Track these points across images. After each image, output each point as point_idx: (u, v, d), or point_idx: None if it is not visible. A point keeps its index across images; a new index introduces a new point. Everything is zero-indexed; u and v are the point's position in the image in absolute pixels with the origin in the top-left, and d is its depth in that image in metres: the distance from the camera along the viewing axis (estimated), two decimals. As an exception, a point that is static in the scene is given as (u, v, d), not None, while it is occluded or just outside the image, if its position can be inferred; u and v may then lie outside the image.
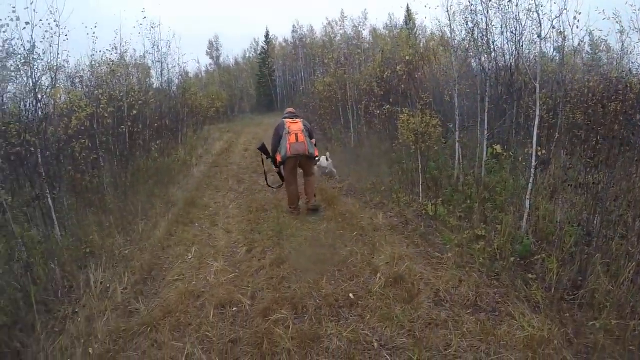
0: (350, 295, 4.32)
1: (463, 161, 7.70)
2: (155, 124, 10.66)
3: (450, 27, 7.64)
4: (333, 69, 13.80)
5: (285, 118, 7.13)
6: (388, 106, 8.54)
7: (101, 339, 3.98)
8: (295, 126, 6.92)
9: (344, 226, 6.48)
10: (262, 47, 40.96)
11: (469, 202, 6.21)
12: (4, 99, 6.38)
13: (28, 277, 4.67)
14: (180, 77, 15.92)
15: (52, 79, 6.09)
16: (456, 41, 8.01)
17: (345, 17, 39.16)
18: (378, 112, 10.77)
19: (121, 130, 8.30)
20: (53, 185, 6.01)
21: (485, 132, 7.32)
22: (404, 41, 15.57)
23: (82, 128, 6.60)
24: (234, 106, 34.00)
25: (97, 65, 11.32)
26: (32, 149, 5.75)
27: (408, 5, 35.44)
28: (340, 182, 9.44)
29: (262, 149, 7.55)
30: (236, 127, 24.06)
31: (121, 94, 8.58)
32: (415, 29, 32.91)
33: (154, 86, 14.19)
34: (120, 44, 10.83)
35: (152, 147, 9.39)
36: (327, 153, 9.69)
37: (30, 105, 5.95)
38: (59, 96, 6.04)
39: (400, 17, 37.28)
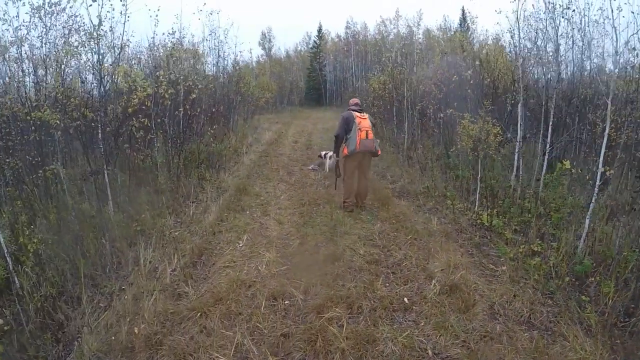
0: (405, 299, 4.18)
1: (519, 173, 7.30)
2: (213, 109, 10.57)
3: (518, 34, 7.14)
4: (390, 67, 13.34)
5: (352, 110, 6.98)
6: (452, 110, 8.07)
7: (147, 319, 3.84)
8: (365, 123, 6.82)
9: (398, 228, 6.21)
10: (314, 41, 40.89)
11: (526, 215, 5.94)
12: (66, 74, 6.36)
13: (77, 250, 4.60)
14: (234, 65, 15.87)
15: (116, 57, 6.02)
16: (524, 49, 7.58)
17: (400, 16, 38.64)
18: (441, 115, 10.28)
19: (178, 113, 8.22)
20: (109, 161, 5.97)
21: (548, 145, 6.96)
22: (457, 45, 14.98)
23: (143, 107, 6.52)
24: (283, 98, 34.02)
25: (156, 48, 11.43)
26: (93, 124, 5.71)
27: (463, 7, 34.48)
28: (392, 183, 9.08)
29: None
30: (284, 118, 24.01)
31: (181, 77, 8.51)
32: (470, 33, 31.96)
33: (208, 73, 14.17)
34: (180, 29, 10.88)
35: (208, 132, 9.29)
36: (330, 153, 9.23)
37: (92, 81, 5.94)
38: (122, 74, 5.96)
39: (455, 20, 36.34)
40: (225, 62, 14.58)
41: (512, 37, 7.23)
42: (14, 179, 5.93)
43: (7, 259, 3.95)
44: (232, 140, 12.63)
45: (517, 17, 6.77)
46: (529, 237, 5.32)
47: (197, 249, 5.32)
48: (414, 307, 4.03)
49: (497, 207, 6.38)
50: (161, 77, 7.17)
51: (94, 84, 5.74)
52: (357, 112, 6.93)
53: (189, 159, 8.61)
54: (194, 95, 8.28)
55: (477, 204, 6.78)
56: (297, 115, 26.68)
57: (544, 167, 6.94)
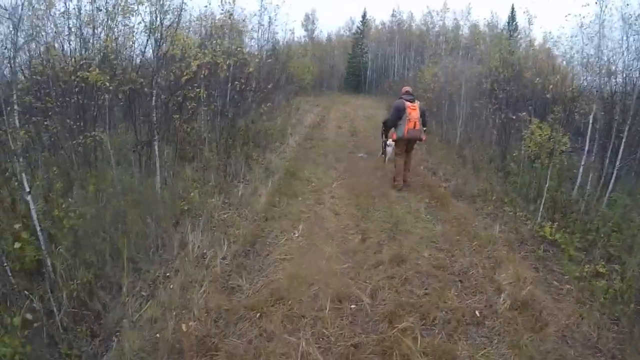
0: (477, 312, 3.81)
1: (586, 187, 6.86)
2: (269, 86, 9.96)
3: (598, 42, 6.66)
4: (447, 60, 12.57)
5: (404, 99, 7.33)
6: (524, 113, 7.39)
7: (198, 315, 3.37)
8: (415, 114, 7.19)
9: (460, 232, 5.67)
10: (358, 27, 39.85)
11: (592, 233, 5.58)
12: (117, 34, 5.84)
13: (119, 228, 4.11)
14: (283, 43, 15.27)
15: (174, 19, 5.48)
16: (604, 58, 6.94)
17: (448, 8, 37.39)
18: (502, 115, 9.52)
19: (232, 86, 7.65)
20: (160, 130, 5.49)
21: (618, 162, 6.46)
22: (502, 43, 14.08)
23: (201, 77, 5.96)
24: (323, 81, 33.31)
25: (205, 18, 10.89)
26: (146, 89, 5.21)
27: (513, 5, 33.11)
28: (446, 181, 8.42)
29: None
30: (324, 102, 23.25)
31: (238, 48, 7.91)
32: (517, 33, 30.59)
33: (255, 49, 13.64)
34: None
35: (262, 109, 8.71)
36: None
37: (146, 44, 5.42)
38: (181, 39, 5.41)
39: (502, 17, 34.96)
40: (275, 40, 14.02)
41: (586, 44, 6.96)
42: (52, 144, 5.50)
43: (40, 236, 3.45)
44: (278, 120, 12.10)
45: (600, 26, 6.65)
46: (593, 257, 5.01)
47: (249, 236, 4.82)
48: (485, 322, 3.67)
49: (558, 220, 5.99)
50: (218, 46, 6.59)
51: (149, 47, 5.19)
52: (409, 101, 7.25)
53: (237, 136, 8.09)
54: (251, 69, 7.65)
55: (539, 215, 6.23)
56: (336, 100, 25.94)
57: (611, 184, 6.53)
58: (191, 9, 14.23)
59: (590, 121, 6.80)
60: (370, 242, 5.05)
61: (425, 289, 4.09)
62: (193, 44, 6.13)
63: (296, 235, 5.05)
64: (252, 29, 12.65)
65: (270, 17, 12.81)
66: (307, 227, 5.31)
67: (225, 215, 5.34)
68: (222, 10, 9.14)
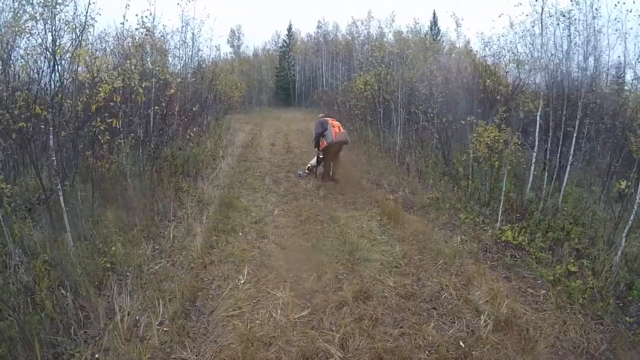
0: (461, 343, 3.55)
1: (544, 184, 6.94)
2: (194, 108, 9.09)
3: (541, 40, 6.77)
4: (380, 67, 12.37)
5: (324, 117, 8.82)
6: (472, 117, 7.20)
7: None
8: (335, 122, 8.61)
9: (421, 250, 5.34)
10: (284, 40, 39.59)
11: (555, 231, 5.63)
12: (11, 57, 4.93)
13: (28, 304, 3.29)
14: (210, 62, 14.42)
15: (76, 37, 4.65)
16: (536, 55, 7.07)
17: (372, 17, 38.05)
18: (444, 119, 9.37)
19: (150, 111, 6.81)
20: (65, 174, 4.62)
21: (570, 157, 6.56)
22: (426, 47, 14.30)
23: (111, 104, 5.10)
24: (252, 97, 32.55)
25: (124, 37, 9.90)
26: (43, 125, 4.35)
27: (434, 11, 34.43)
28: (392, 193, 8.12)
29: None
30: (255, 118, 22.49)
31: (156, 69, 7.07)
32: (440, 37, 31.78)
33: (178, 68, 12.76)
34: (153, 16, 9.42)
35: (189, 134, 7.84)
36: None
37: (45, 69, 4.57)
38: (84, 61, 4.58)
39: (425, 23, 36.13)
40: (200, 58, 13.20)
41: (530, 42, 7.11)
42: None
43: None
44: (207, 143, 11.28)
45: (542, 21, 6.70)
46: (561, 255, 5.04)
47: (187, 291, 4.08)
48: (473, 353, 3.41)
49: (517, 221, 5.99)
50: (133, 67, 5.76)
51: (48, 71, 4.32)
52: (329, 117, 8.81)
53: (164, 167, 7.26)
54: (172, 91, 6.81)
55: (499, 219, 6.11)
56: (267, 115, 25.31)
57: (565, 179, 6.60)
58: (107, 28, 13.12)
59: (538, 118, 6.76)
60: (327, 279, 4.53)
61: (400, 327, 3.71)
62: (103, 66, 5.32)
63: (242, 281, 4.39)
64: (174, 47, 11.75)
65: (193, 34, 11.97)
66: (253, 269, 4.66)
67: (157, 267, 4.55)
68: (141, 26, 8.30)
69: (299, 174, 9.32)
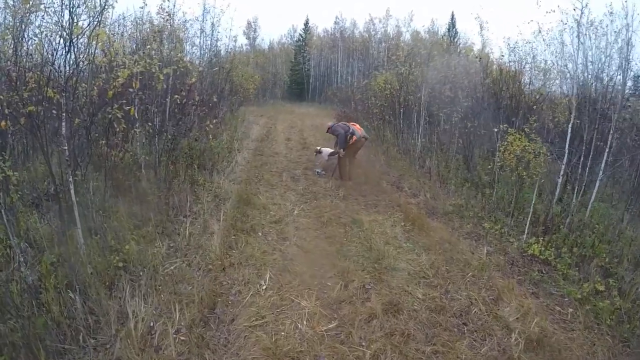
0: None
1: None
2: (213, 98, 8.74)
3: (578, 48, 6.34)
4: (403, 66, 11.99)
5: (341, 123, 9.06)
6: (506, 125, 6.79)
7: None
8: (355, 124, 8.98)
9: (448, 260, 5.06)
10: (300, 35, 38.97)
11: (580, 248, 5.33)
12: (25, 36, 4.61)
13: (32, 307, 2.98)
14: (226, 51, 14.05)
15: (95, 17, 4.32)
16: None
17: (390, 15, 37.51)
18: (469, 124, 9.00)
19: (169, 100, 6.45)
20: (77, 163, 4.30)
21: (601, 172, 6.15)
22: (443, 48, 13.90)
23: (130, 90, 4.75)
24: (266, 90, 32.20)
25: (142, 22, 9.57)
26: (55, 110, 4.03)
27: (453, 12, 33.81)
28: (413, 197, 7.77)
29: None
30: (269, 112, 22.16)
31: (176, 57, 6.69)
32: (457, 38, 31.19)
33: (197, 57, 12.45)
34: (173, 2, 9.07)
35: (207, 126, 7.52)
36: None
37: (59, 49, 4.24)
38: (102, 43, 4.24)
39: (443, 24, 35.53)
40: (218, 48, 12.85)
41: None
42: None
43: None
44: (224, 135, 10.97)
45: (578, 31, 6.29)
46: (588, 273, 4.83)
47: (206, 297, 3.76)
48: None
49: (543, 235, 5.72)
50: (153, 52, 5.42)
51: (62, 53, 3.99)
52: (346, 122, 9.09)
53: (180, 158, 6.95)
54: (193, 80, 6.45)
55: (526, 233, 5.82)
56: (281, 109, 24.94)
57: (593, 194, 6.18)
58: (125, 11, 12.83)
59: (569, 130, 6.37)
60: (354, 287, 4.22)
61: (433, 344, 3.47)
62: (121, 49, 5.00)
63: (263, 287, 4.08)
64: (193, 35, 11.40)
65: (213, 23, 11.64)
66: (275, 274, 4.35)
67: (173, 267, 4.24)
68: (161, 11, 7.98)
69: (317, 172, 8.99)
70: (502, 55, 10.78)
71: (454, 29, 33.62)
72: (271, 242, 5.18)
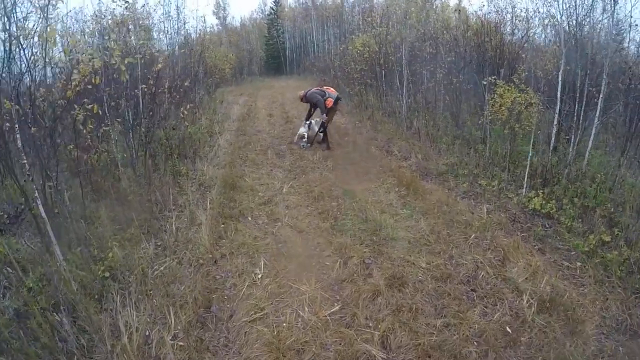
0: (507, 328, 3.25)
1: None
2: (185, 83, 8.33)
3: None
4: (380, 27, 11.63)
5: (315, 89, 9.03)
6: (494, 77, 6.50)
7: None
8: (329, 86, 9.27)
9: (448, 223, 4.91)
10: (271, 8, 37.75)
11: (582, 199, 5.20)
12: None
13: (20, 337, 2.79)
14: (195, 34, 13.51)
15: (42, 16, 4.00)
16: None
17: (361, -24, 36.46)
18: (455, 80, 8.74)
19: (137, 91, 6.11)
20: (47, 175, 4.03)
21: (596, 119, 5.90)
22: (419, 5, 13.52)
23: (90, 87, 4.40)
24: (242, 68, 31.48)
25: (103, 16, 9.06)
26: (8, 123, 3.71)
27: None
28: (405, 160, 7.61)
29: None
30: (248, 89, 21.58)
31: (140, 43, 6.30)
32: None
33: (165, 43, 11.98)
34: None
35: (182, 113, 7.17)
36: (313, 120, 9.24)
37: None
38: (53, 41, 3.90)
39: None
40: (187, 31, 12.36)
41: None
42: None
43: None
44: (202, 119, 10.62)
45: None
46: (593, 224, 4.67)
47: (200, 295, 3.58)
48: (521, 339, 3.14)
49: (541, 187, 5.61)
50: (113, 42, 5.06)
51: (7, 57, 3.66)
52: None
53: (158, 151, 6.66)
54: (160, 66, 6.08)
55: (525, 187, 5.70)
56: (260, 85, 24.35)
57: (590, 142, 6.01)
58: (84, 8, 12.20)
59: (560, 78, 6.12)
60: (353, 264, 4.07)
61: (443, 317, 3.36)
62: (80, 45, 4.65)
63: (259, 276, 3.91)
64: (159, 21, 10.91)
65: (177, 6, 11.14)
66: (270, 260, 4.18)
67: (162, 268, 4.03)
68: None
69: (302, 145, 8.74)
70: (483, 6, 10.44)
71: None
72: (262, 225, 4.99)
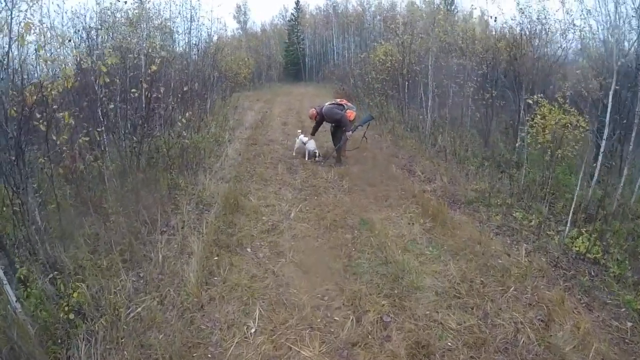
0: None
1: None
2: (186, 87, 7.68)
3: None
4: (403, 35, 10.96)
5: (329, 104, 8.21)
6: (541, 95, 5.74)
7: None
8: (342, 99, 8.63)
9: (481, 268, 4.14)
10: (292, 14, 37.54)
11: (632, 241, 4.51)
12: None
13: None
14: (210, 36, 12.90)
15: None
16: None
17: (384, -15, 35.94)
18: (487, 95, 7.97)
19: (133, 95, 5.43)
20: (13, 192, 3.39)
21: None
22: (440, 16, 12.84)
23: (54, 93, 3.70)
24: (261, 74, 31.06)
25: (110, 13, 8.45)
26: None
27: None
28: (428, 182, 6.88)
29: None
30: (265, 95, 21.09)
31: (140, 45, 5.64)
32: (453, 5, 29.64)
33: (180, 46, 11.42)
34: None
35: (180, 122, 6.51)
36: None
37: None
38: (21, 38, 3.24)
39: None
40: (199, 33, 11.80)
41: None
42: None
43: None
44: (211, 126, 9.97)
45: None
46: None
47: (178, 352, 2.86)
48: None
49: (583, 224, 4.84)
50: (100, 39, 4.39)
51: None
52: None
53: (155, 161, 5.99)
54: (154, 68, 5.34)
55: (568, 225, 4.87)
56: (278, 91, 23.87)
57: None
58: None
59: (610, 98, 5.29)
60: (369, 322, 3.32)
61: None
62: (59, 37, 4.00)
63: (252, 330, 3.17)
64: (166, 19, 10.31)
65: (192, 6, 10.56)
66: (267, 309, 3.44)
67: (140, 309, 3.33)
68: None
69: (317, 160, 8.05)
70: (515, 17, 9.67)
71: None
72: (262, 260, 4.26)
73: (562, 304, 3.51)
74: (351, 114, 7.88)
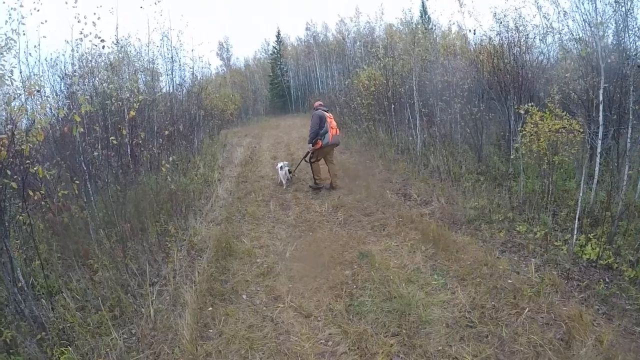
0: None
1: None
2: (167, 131, 7.50)
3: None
4: (386, 58, 11.02)
5: (322, 110, 8.07)
6: (531, 104, 5.67)
7: None
8: (333, 122, 8.08)
9: (491, 292, 3.93)
10: (274, 47, 38.08)
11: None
12: None
13: None
14: (192, 75, 12.88)
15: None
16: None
17: (360, 12, 36.83)
18: (475, 109, 7.95)
19: (113, 142, 5.23)
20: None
21: None
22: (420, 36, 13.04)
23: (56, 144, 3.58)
24: (248, 108, 31.29)
25: (90, 57, 8.37)
26: None
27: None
28: (425, 205, 6.72)
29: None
30: (253, 130, 21.09)
31: (119, 90, 5.51)
32: (431, 24, 30.20)
33: (163, 88, 11.35)
34: (117, 30, 7.86)
35: (164, 164, 6.32)
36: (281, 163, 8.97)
37: None
38: None
39: (415, 13, 34.52)
40: (182, 73, 11.77)
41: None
42: None
43: None
44: (199, 166, 9.81)
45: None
46: None
47: None
48: None
49: (591, 228, 4.80)
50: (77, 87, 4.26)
51: None
52: (325, 111, 8.06)
53: (142, 208, 5.80)
54: (132, 113, 5.16)
55: (575, 232, 4.67)
56: (265, 125, 23.89)
57: None
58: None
59: (601, 97, 5.23)
60: (376, 369, 3.04)
61: None
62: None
63: (252, 390, 2.94)
64: (149, 61, 10.23)
65: (173, 46, 10.55)
66: (267, 360, 3.20)
67: (129, 372, 3.10)
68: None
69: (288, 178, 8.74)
70: (493, 28, 9.74)
71: (426, 15, 32.57)
72: (259, 307, 4.03)
73: (580, 318, 3.33)
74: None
